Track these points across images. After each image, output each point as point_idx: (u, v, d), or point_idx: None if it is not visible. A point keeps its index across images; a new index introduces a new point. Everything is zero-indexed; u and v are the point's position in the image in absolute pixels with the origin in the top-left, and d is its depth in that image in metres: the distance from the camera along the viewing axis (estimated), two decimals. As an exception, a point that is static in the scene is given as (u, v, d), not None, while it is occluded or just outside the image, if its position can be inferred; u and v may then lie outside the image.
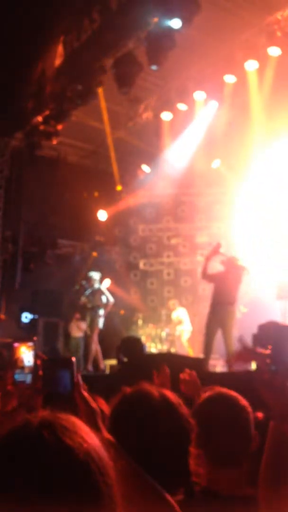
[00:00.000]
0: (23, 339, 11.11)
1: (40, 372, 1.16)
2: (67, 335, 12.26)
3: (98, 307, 10.25)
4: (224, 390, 1.88)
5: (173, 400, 1.58)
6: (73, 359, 1.18)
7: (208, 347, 7.52)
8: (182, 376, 3.02)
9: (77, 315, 12.19)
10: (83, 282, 10.53)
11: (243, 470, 1.72)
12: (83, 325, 12.05)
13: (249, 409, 1.80)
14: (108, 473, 0.81)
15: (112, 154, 12.85)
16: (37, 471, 0.75)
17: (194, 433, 1.81)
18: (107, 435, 1.16)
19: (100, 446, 0.83)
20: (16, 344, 10.49)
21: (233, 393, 1.87)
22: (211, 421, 1.78)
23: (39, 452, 0.77)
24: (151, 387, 1.59)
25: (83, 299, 10.43)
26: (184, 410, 1.58)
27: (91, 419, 1.13)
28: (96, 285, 10.46)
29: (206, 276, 7.92)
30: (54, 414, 0.84)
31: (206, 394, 1.86)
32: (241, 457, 1.73)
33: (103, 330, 10.53)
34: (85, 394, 1.15)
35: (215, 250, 7.83)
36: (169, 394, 1.59)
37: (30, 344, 10.54)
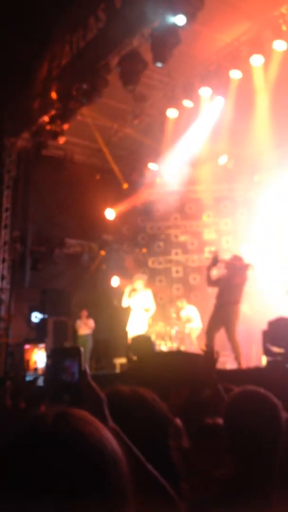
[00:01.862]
0: (34, 341, 11.08)
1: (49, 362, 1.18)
2: (76, 333, 12.28)
3: (143, 310, 10.19)
4: (254, 388, 1.86)
5: (146, 395, 1.58)
6: (81, 349, 1.20)
7: (209, 344, 7.50)
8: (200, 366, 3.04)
9: (85, 313, 12.21)
10: (130, 286, 10.46)
11: (272, 467, 1.71)
12: (91, 323, 12.07)
13: (280, 406, 1.78)
14: (120, 462, 0.84)
15: (107, 153, 12.83)
16: (55, 459, 0.78)
17: (223, 431, 1.80)
18: (113, 424, 1.16)
19: (111, 437, 0.86)
20: (27, 346, 10.45)
21: (263, 390, 1.85)
22: (241, 418, 1.77)
23: (57, 441, 0.81)
24: (122, 387, 1.60)
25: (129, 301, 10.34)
26: (160, 405, 1.58)
27: (97, 408, 1.14)
28: (142, 288, 10.37)
29: (211, 283, 7.95)
30: (66, 408, 0.88)
31: (235, 392, 1.85)
32: (271, 455, 1.71)
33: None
34: (92, 383, 1.17)
35: (215, 260, 7.81)
36: (142, 391, 1.61)
37: (42, 345, 10.51)
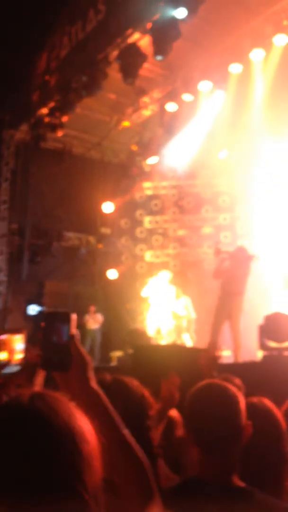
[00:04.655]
0: (13, 331, 11.12)
1: (42, 324, 1.26)
2: (79, 327, 12.34)
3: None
4: (216, 380, 1.90)
5: (125, 381, 1.69)
6: (73, 315, 1.26)
7: (214, 338, 7.53)
8: (201, 353, 3.11)
9: (92, 308, 12.34)
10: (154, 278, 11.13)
11: (234, 459, 1.72)
12: (99, 317, 12.26)
13: (240, 398, 1.80)
14: (89, 436, 0.93)
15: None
16: (31, 433, 0.88)
17: (185, 422, 1.83)
18: (95, 386, 1.22)
19: (81, 414, 0.97)
20: (3, 336, 10.47)
21: (223, 383, 1.88)
22: (199, 410, 1.79)
23: (33, 417, 0.90)
24: (106, 375, 1.71)
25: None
26: (139, 390, 1.63)
27: (83, 370, 1.21)
28: (167, 284, 10.85)
29: (216, 274, 8.01)
30: (43, 390, 0.99)
31: (197, 385, 1.88)
32: (231, 446, 1.72)
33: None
34: (80, 347, 1.24)
35: (217, 252, 8.02)
36: (123, 378, 1.71)
37: (19, 336, 10.52)
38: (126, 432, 1.21)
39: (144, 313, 12.00)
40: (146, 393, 1.73)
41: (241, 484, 1.68)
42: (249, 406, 2.00)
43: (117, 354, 10.59)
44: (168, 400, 2.82)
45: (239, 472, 1.71)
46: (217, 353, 3.18)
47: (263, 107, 10.30)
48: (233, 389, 1.83)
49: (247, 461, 1.75)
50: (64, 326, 1.24)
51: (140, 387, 1.71)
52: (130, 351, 8.43)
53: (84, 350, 1.25)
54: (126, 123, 12.72)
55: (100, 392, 1.22)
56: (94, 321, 12.29)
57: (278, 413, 2.06)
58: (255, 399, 2.11)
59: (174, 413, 2.91)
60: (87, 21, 9.81)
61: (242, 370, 5.50)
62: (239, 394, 1.83)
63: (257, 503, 1.60)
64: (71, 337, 1.23)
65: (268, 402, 2.11)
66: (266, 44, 9.17)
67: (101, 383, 1.60)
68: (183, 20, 7.85)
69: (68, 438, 0.90)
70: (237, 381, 2.93)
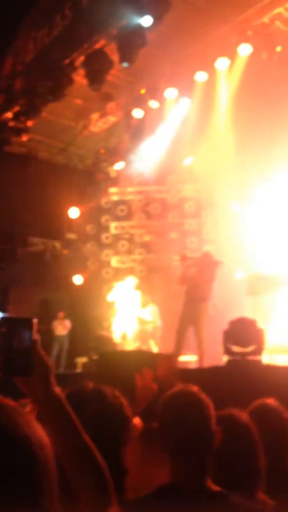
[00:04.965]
0: None
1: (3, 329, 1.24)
2: (46, 333, 12.19)
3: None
4: (186, 386, 1.91)
5: (106, 391, 1.68)
6: (35, 320, 1.25)
7: (179, 344, 7.56)
8: (159, 365, 3.11)
9: (61, 314, 12.27)
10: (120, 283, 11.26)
11: (208, 464, 1.73)
12: (68, 323, 12.19)
13: (209, 404, 1.82)
14: (46, 448, 0.94)
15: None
16: None
17: (160, 432, 1.83)
18: (57, 390, 1.23)
19: (39, 426, 0.97)
20: None
21: (194, 389, 1.90)
22: (170, 417, 1.81)
23: None
24: (88, 383, 1.71)
25: None
26: (118, 401, 1.68)
27: (44, 375, 1.22)
28: (132, 289, 10.99)
29: (181, 280, 8.05)
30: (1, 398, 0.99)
31: (168, 392, 1.89)
32: (204, 452, 1.74)
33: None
34: (41, 351, 1.24)
35: (183, 258, 8.11)
36: (104, 388, 1.70)
37: None
38: (86, 436, 1.22)
39: (111, 318, 11.97)
40: (126, 404, 1.72)
41: (216, 488, 1.69)
42: (227, 417, 2.03)
43: (82, 360, 10.53)
44: (145, 393, 2.82)
45: (214, 480, 1.73)
46: (174, 363, 3.21)
47: (227, 114, 10.47)
48: (203, 395, 1.85)
49: (220, 471, 1.76)
50: (26, 331, 1.22)
51: (120, 398, 1.71)
52: (95, 357, 8.40)
53: (44, 354, 1.25)
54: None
55: (62, 396, 1.23)
56: (63, 327, 12.26)
57: (253, 426, 2.09)
58: (234, 411, 2.14)
59: (136, 421, 2.90)
60: (53, 27, 9.77)
61: (207, 375, 5.55)
62: (208, 400, 1.85)
63: (232, 506, 1.62)
64: (34, 342, 1.22)
65: (244, 416, 2.14)
66: (230, 53, 9.32)
67: (81, 391, 1.61)
68: (148, 28, 7.91)
69: (26, 448, 0.90)
70: (195, 389, 2.95)
